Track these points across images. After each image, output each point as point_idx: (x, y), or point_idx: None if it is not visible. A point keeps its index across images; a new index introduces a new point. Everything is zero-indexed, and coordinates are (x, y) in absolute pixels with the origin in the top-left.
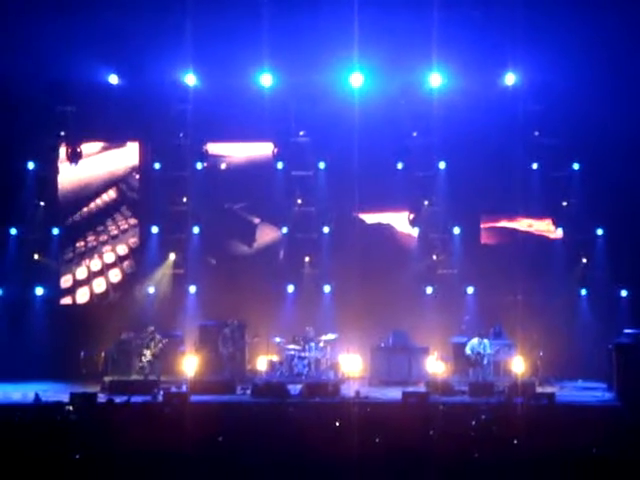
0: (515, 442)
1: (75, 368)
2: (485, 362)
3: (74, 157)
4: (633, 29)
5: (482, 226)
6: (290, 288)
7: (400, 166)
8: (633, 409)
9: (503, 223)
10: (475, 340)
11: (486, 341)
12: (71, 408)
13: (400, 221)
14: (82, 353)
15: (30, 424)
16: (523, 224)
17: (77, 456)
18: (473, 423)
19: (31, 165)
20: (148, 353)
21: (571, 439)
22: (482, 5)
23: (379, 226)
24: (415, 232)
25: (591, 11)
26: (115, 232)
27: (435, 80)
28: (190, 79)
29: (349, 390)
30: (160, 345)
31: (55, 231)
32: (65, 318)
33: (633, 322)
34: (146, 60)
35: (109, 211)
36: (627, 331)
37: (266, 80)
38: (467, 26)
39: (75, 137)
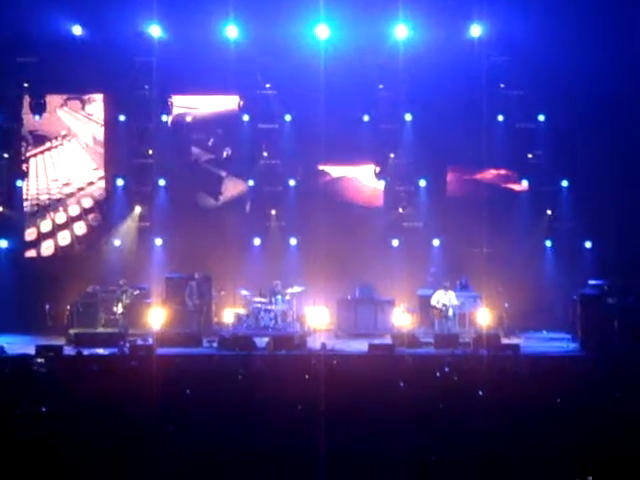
0: (480, 393)
1: (40, 321)
2: (450, 314)
3: (38, 109)
4: None
5: (448, 178)
6: (256, 241)
7: (366, 119)
8: (596, 359)
9: (469, 175)
10: (440, 292)
11: (451, 293)
12: (41, 360)
13: (366, 174)
14: (47, 306)
15: None
16: (490, 174)
17: (43, 409)
18: (437, 374)
19: None
20: (120, 306)
21: (535, 389)
22: None
23: (345, 179)
24: (381, 185)
25: None
26: (80, 184)
27: (401, 32)
28: (155, 30)
29: (315, 342)
30: (132, 298)
31: (19, 183)
32: (30, 271)
33: (597, 273)
34: (110, 11)
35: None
36: (591, 282)
37: (232, 32)
38: None
39: (39, 89)
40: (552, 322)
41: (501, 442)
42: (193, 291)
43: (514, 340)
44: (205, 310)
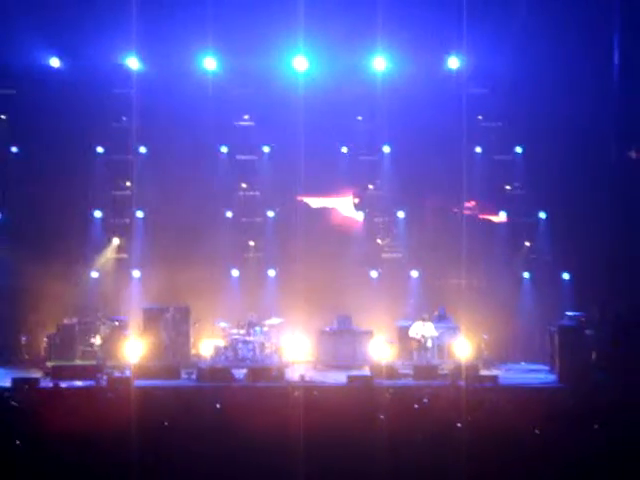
0: (459, 425)
1: (17, 353)
2: (429, 345)
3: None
4: (575, 13)
5: (426, 210)
6: (235, 272)
7: (345, 150)
8: (574, 390)
9: (447, 206)
10: (419, 323)
11: (430, 324)
12: (16, 394)
13: (345, 205)
14: (23, 338)
15: None
16: (468, 206)
17: (17, 442)
18: (416, 406)
19: None
20: (98, 338)
21: (514, 420)
22: None
23: (324, 210)
24: (360, 216)
25: None
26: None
27: (379, 64)
28: (133, 62)
29: (294, 374)
30: (109, 330)
31: None
32: (5, 302)
33: (575, 305)
34: (88, 43)
35: None
36: (569, 314)
37: (210, 63)
38: (411, 9)
39: (16, 121)
40: (530, 353)
41: (480, 473)
42: (168, 323)
43: (493, 371)
44: (181, 342)
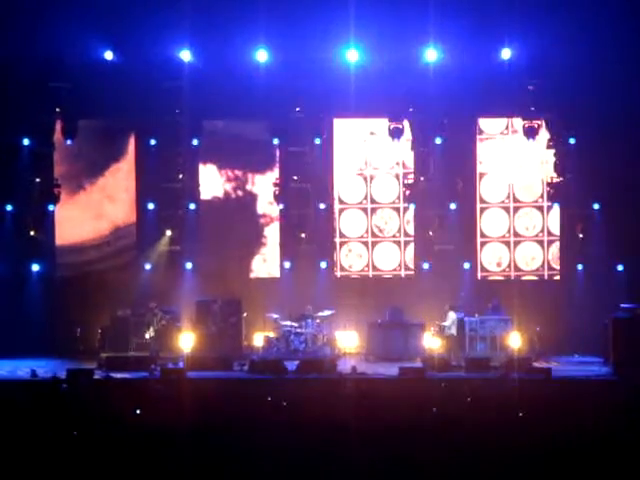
0: (520, 415)
1: (72, 344)
2: (447, 333)
3: (70, 134)
4: (629, 4)
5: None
6: (286, 264)
7: (395, 142)
8: (629, 383)
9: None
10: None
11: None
12: (64, 385)
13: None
14: (78, 330)
15: (27, 400)
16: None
17: (75, 432)
18: (469, 400)
19: (26, 141)
20: (151, 329)
21: (567, 413)
22: None
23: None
24: (411, 208)
25: None
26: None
27: (431, 55)
28: (185, 55)
29: (345, 366)
30: (163, 322)
31: (51, 207)
32: (62, 294)
33: (629, 297)
34: (142, 36)
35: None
36: (623, 306)
37: (262, 56)
38: (463, 0)
39: (71, 114)
40: (584, 346)
41: (533, 467)
42: (216, 315)
43: (546, 364)
44: (229, 334)
